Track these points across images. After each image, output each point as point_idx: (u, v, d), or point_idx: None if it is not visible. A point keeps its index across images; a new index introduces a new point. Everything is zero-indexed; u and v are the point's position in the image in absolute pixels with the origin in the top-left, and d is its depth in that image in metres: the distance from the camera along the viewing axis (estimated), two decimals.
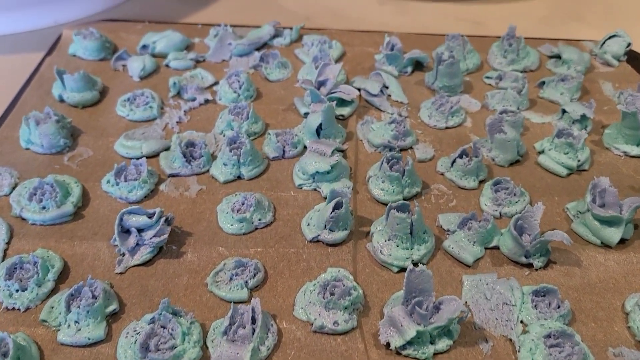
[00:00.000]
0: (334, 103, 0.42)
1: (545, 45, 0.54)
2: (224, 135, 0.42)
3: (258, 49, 0.52)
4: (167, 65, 0.49)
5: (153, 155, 0.40)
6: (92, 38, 0.48)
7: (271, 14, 0.61)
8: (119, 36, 0.52)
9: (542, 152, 0.42)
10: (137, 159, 0.39)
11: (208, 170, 0.39)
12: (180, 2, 0.62)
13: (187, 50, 0.51)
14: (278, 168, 0.40)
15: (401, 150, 0.42)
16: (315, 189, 0.38)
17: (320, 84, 0.45)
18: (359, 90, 0.47)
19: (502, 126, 0.41)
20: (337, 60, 0.51)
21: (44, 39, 0.52)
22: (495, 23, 0.61)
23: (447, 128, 0.44)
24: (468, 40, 0.51)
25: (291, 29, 0.54)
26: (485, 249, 0.35)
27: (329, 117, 0.41)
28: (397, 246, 0.33)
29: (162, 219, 0.33)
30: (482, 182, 0.40)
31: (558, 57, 0.52)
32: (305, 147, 0.41)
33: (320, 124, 0.41)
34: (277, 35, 0.53)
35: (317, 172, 0.38)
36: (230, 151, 0.38)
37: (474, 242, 0.34)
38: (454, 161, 0.40)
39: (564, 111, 0.45)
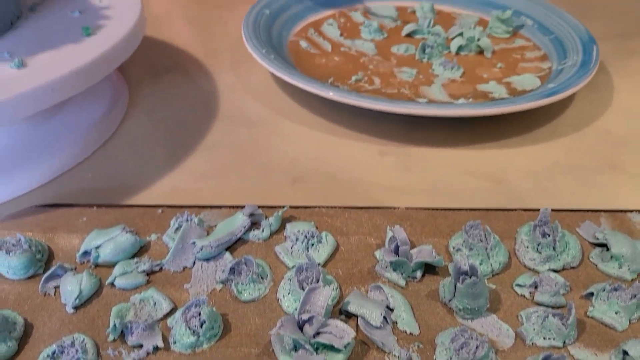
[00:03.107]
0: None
1: (586, 224, 0.44)
2: None
3: (229, 247, 0.42)
4: (112, 284, 0.39)
5: None
6: (20, 251, 0.38)
7: (255, 174, 0.51)
8: (57, 237, 0.42)
9: None
10: None
11: None
12: (137, 164, 0.52)
13: (140, 255, 0.41)
14: None
15: None
16: None
17: (305, 321, 0.35)
18: (356, 317, 0.36)
19: None
20: (328, 261, 0.41)
21: None
22: (518, 179, 0.51)
23: None
24: (491, 232, 0.41)
25: (277, 209, 0.44)
26: None
27: None
28: None
29: None
30: None
31: (604, 245, 0.42)
32: None
33: None
34: (254, 224, 0.43)
35: None
36: None
37: None
38: None
39: (625, 353, 0.34)
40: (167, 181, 0.50)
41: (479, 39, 0.67)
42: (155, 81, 0.63)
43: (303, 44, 0.68)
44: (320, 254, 0.41)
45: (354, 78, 0.61)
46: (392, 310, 0.37)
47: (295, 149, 0.55)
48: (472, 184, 0.51)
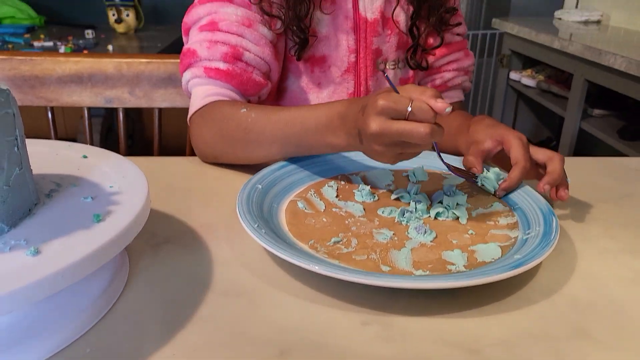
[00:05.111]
0: None
1: None
2: None
3: None
4: None
5: None
6: None
7: (244, 347, 0.54)
8: None
9: None
10: None
11: None
12: (133, 338, 0.55)
13: None
14: None
15: None
16: None
17: None
18: None
19: None
20: None
21: None
22: (492, 349, 0.54)
23: None
24: None
25: None
26: None
27: None
28: None
29: None
30: None
31: None
32: None
33: None
34: None
35: None
36: None
37: None
38: None
39: None
40: (160, 355, 0.52)
41: (457, 205, 0.74)
42: (155, 252, 0.69)
43: (300, 204, 0.75)
44: None
45: (333, 240, 0.67)
46: None
47: (283, 318, 0.58)
48: (448, 354, 0.53)
